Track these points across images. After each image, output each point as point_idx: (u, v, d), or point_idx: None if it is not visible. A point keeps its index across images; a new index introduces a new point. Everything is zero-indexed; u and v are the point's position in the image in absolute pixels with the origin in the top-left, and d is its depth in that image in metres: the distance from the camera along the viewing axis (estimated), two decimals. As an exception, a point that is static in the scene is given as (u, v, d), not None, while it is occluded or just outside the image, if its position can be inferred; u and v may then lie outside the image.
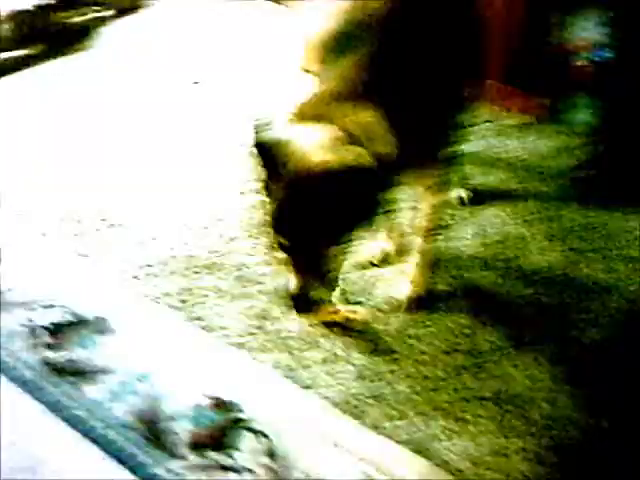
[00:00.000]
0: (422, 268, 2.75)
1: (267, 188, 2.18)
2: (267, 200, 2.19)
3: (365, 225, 2.25)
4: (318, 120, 2.16)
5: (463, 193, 3.13)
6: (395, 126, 2.19)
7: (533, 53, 3.44)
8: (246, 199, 3.15)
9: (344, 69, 2.25)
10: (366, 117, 2.16)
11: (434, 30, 2.41)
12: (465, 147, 3.23)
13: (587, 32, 3.32)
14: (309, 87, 2.42)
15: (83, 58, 4.02)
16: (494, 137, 3.43)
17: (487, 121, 3.51)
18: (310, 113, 2.20)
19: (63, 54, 4.03)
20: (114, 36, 4.19)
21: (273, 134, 2.11)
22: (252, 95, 3.65)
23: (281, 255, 2.29)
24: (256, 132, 2.12)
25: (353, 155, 2.06)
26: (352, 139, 2.12)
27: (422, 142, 2.35)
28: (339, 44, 2.35)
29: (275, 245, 2.26)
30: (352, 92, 2.19)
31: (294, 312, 2.61)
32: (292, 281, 2.23)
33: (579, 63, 3.41)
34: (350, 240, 2.23)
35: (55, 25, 4.04)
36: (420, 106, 2.29)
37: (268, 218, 2.21)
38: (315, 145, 2.09)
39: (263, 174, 2.17)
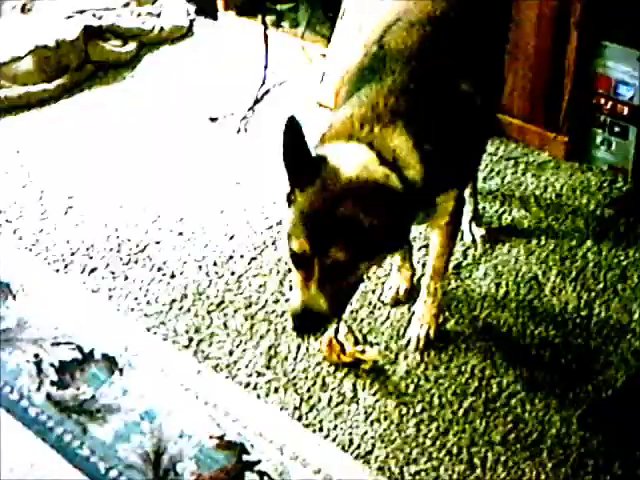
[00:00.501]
0: (433, 308, 2.72)
1: (290, 198, 2.15)
2: (288, 210, 2.16)
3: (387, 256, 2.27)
4: (349, 140, 2.16)
5: (477, 231, 3.08)
6: (423, 155, 2.18)
7: (554, 89, 3.40)
8: (258, 237, 3.13)
9: (372, 95, 2.24)
10: (396, 142, 2.15)
11: (465, 59, 2.40)
12: (480, 184, 3.23)
13: (610, 69, 3.28)
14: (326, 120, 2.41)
15: (105, 93, 4.03)
16: (511, 174, 3.38)
17: (504, 157, 3.46)
18: (342, 133, 2.19)
19: (85, 89, 4.04)
20: (139, 70, 4.19)
21: (308, 146, 2.10)
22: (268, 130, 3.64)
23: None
24: (289, 143, 2.07)
25: (383, 175, 2.07)
26: (383, 161, 2.11)
27: (446, 174, 2.32)
28: (365, 75, 2.34)
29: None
30: (382, 117, 2.18)
31: (302, 350, 2.64)
32: (296, 296, 2.15)
33: (601, 100, 3.36)
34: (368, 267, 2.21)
35: (78, 60, 4.04)
36: (448, 137, 2.28)
37: (287, 228, 2.16)
38: (347, 161, 2.09)
39: (288, 185, 2.15)
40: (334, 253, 2.06)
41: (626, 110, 3.29)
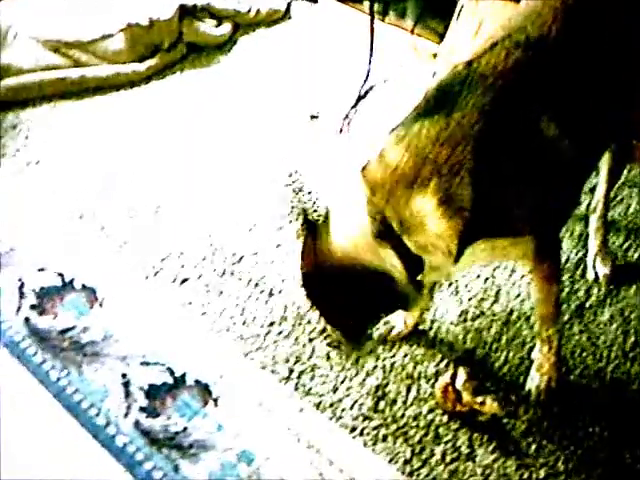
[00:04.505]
0: (551, 356, 2.46)
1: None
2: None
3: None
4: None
5: (601, 269, 2.81)
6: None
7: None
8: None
9: (426, 139, 1.98)
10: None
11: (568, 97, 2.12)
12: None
13: None
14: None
15: (197, 76, 3.80)
16: (636, 203, 3.08)
17: (628, 184, 3.17)
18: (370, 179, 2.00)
19: (177, 71, 3.82)
20: (233, 54, 3.95)
21: None
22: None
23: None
24: None
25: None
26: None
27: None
28: (437, 99, 2.07)
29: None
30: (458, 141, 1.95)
31: (412, 393, 2.42)
32: None
33: None
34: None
35: (171, 40, 3.81)
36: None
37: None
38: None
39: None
40: None
41: None
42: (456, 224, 1.94)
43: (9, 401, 2.40)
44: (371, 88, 3.62)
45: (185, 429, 2.35)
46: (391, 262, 1.97)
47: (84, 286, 2.74)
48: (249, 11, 4.02)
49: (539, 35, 2.13)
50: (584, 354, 2.58)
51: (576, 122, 2.14)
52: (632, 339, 2.62)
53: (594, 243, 2.82)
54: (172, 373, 2.49)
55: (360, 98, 3.57)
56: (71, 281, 2.76)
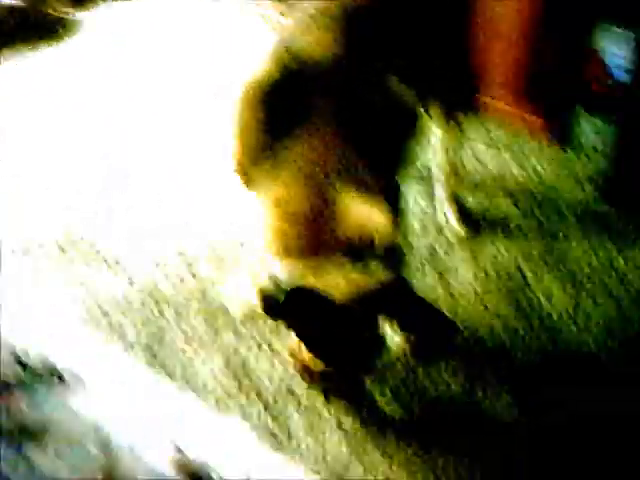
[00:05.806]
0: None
1: None
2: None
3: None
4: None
5: (453, 220, 2.81)
6: None
7: (538, 68, 3.11)
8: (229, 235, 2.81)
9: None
10: None
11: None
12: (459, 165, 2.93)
13: (600, 49, 2.99)
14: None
15: (56, 51, 3.68)
16: (492, 157, 3.10)
17: (485, 141, 3.18)
18: None
19: (35, 47, 3.68)
20: (92, 26, 3.84)
21: None
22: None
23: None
24: None
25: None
26: None
27: None
28: (279, 114, 1.99)
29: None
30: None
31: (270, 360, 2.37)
32: None
33: (588, 81, 3.07)
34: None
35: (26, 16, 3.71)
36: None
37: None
38: None
39: None
40: None
41: (614, 92, 3.01)
42: (378, 195, 1.93)
43: None
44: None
45: (35, 414, 2.26)
46: None
47: None
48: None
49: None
50: (442, 303, 2.54)
51: (412, 71, 2.13)
52: (488, 289, 2.63)
53: (444, 195, 2.82)
54: (18, 358, 2.39)
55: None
56: None
